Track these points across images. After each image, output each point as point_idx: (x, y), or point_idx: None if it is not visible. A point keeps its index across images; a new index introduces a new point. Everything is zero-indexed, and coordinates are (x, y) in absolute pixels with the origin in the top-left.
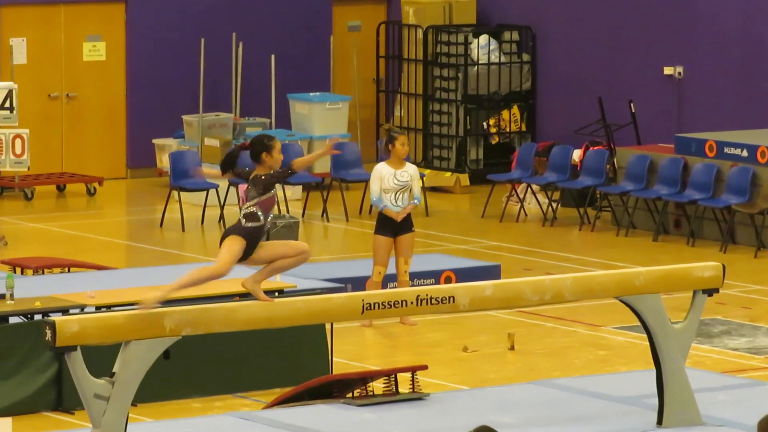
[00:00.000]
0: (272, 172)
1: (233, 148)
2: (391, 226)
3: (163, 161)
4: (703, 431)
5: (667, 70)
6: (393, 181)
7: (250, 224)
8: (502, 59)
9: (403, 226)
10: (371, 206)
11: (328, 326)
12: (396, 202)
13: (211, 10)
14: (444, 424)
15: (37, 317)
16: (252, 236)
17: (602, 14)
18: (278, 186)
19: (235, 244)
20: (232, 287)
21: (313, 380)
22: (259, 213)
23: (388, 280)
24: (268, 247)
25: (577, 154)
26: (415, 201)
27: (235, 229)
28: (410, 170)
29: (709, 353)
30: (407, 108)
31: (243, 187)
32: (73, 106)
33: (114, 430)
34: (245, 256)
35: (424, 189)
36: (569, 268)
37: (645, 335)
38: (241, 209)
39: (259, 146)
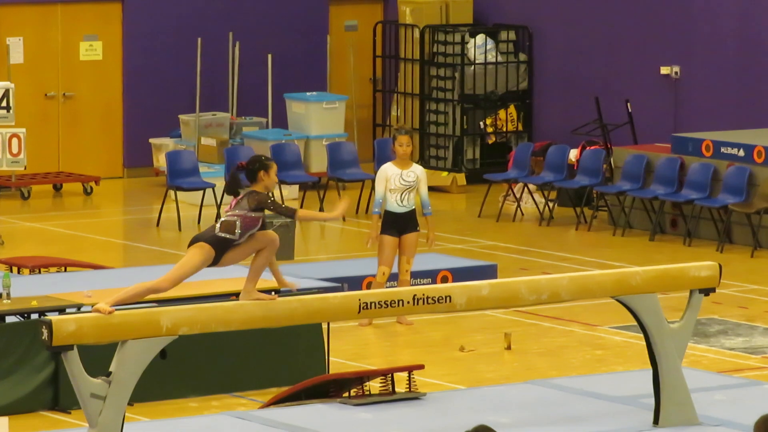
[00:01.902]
0: (272, 198)
1: (233, 171)
2: (397, 226)
3: (160, 161)
4: (700, 431)
5: (664, 70)
6: (399, 181)
7: (223, 234)
8: (499, 59)
9: (408, 225)
10: (367, 206)
11: (324, 325)
12: (402, 202)
13: (208, 10)
14: (441, 424)
15: (34, 316)
16: (221, 246)
17: (599, 14)
18: (275, 188)
19: (197, 257)
20: (228, 287)
21: (309, 380)
22: (238, 226)
23: (388, 280)
24: (236, 250)
25: (573, 154)
26: (427, 212)
27: (206, 236)
28: (417, 171)
29: (705, 353)
30: (404, 108)
31: (234, 202)
32: (69, 105)
33: (111, 429)
34: (214, 262)
35: None
36: (566, 268)
37: (642, 335)
38: (222, 215)
39: (258, 164)
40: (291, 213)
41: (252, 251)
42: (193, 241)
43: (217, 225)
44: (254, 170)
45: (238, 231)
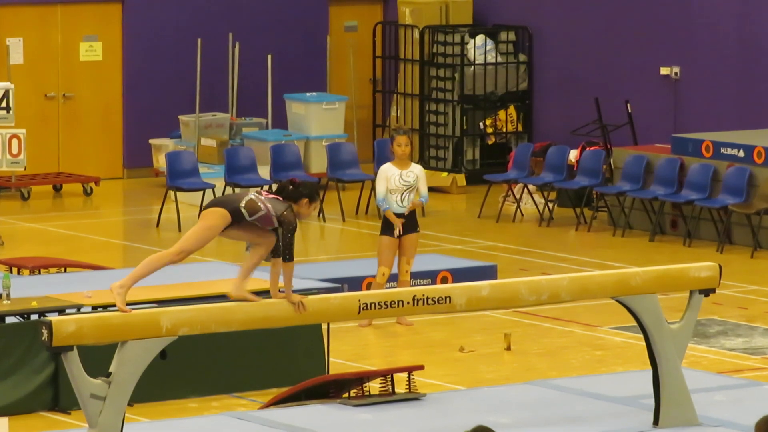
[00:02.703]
0: (293, 232)
1: (285, 183)
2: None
3: (160, 161)
4: None
5: (664, 71)
6: (399, 181)
7: (244, 210)
8: (499, 59)
9: (408, 226)
10: (367, 206)
11: (324, 326)
12: (402, 202)
13: (208, 11)
14: (440, 424)
15: (34, 317)
16: (236, 218)
17: (599, 14)
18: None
19: (218, 225)
20: (228, 287)
21: (309, 380)
22: (258, 215)
23: (388, 280)
24: (242, 228)
25: (573, 155)
26: (422, 199)
27: (229, 206)
28: (416, 170)
29: (705, 353)
30: (404, 108)
31: (271, 196)
32: (69, 106)
33: (111, 430)
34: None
35: None
36: (566, 269)
37: (641, 335)
38: (254, 192)
39: (307, 191)
40: (288, 258)
41: (249, 239)
42: (214, 205)
43: (244, 200)
44: (301, 194)
45: (255, 216)
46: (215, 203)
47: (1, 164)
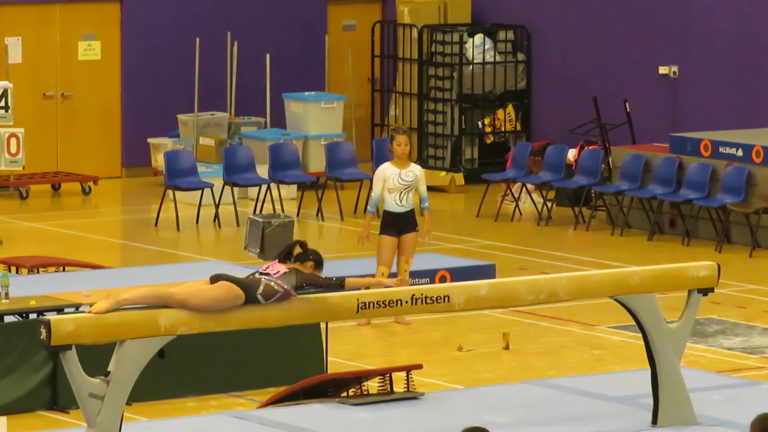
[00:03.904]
0: (320, 276)
1: (293, 244)
2: (396, 226)
3: (158, 160)
4: (698, 431)
5: (662, 70)
6: (398, 180)
7: (260, 297)
8: (497, 59)
9: (407, 225)
10: (366, 205)
11: (323, 325)
12: (401, 201)
13: (206, 10)
14: (439, 424)
15: (32, 316)
16: (251, 301)
17: (597, 14)
18: (273, 188)
19: (222, 299)
20: None
21: (308, 379)
22: (275, 297)
23: None
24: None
25: (572, 154)
26: (425, 207)
27: (246, 288)
28: (416, 170)
29: (704, 353)
30: (402, 107)
31: (279, 267)
32: (68, 105)
33: (109, 429)
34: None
35: None
36: (564, 268)
37: (640, 335)
38: (267, 275)
39: (313, 257)
40: (340, 285)
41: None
42: (233, 282)
43: (261, 287)
44: (307, 258)
45: (272, 299)
46: (234, 281)
47: None
